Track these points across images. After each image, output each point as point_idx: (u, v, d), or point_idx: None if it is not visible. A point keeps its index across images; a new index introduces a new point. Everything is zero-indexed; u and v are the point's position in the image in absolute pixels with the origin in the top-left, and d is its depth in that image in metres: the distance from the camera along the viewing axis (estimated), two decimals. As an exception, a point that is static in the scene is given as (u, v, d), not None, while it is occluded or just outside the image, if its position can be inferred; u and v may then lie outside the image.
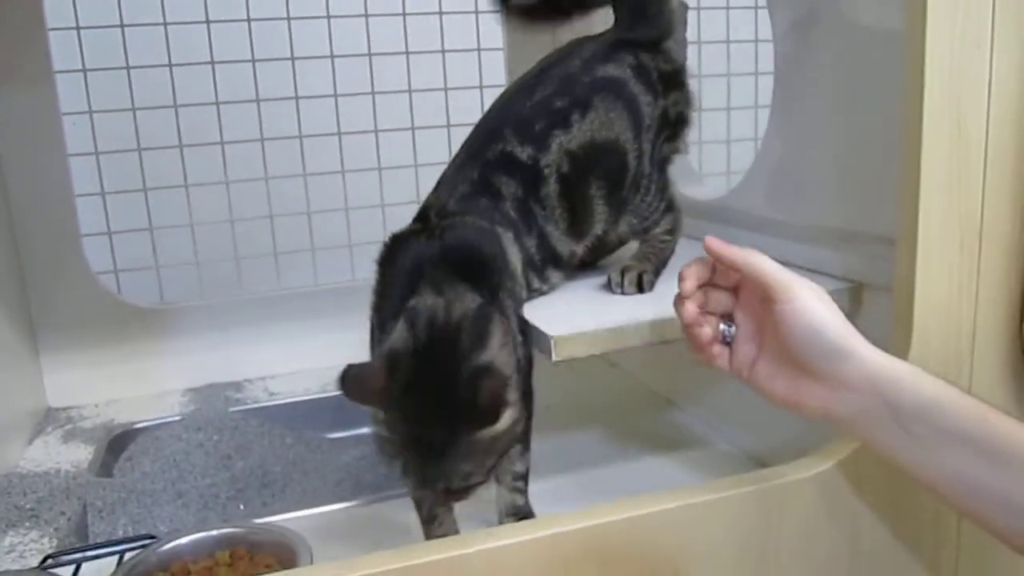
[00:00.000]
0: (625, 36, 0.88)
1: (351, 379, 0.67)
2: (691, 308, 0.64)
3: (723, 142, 1.56)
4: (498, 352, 0.68)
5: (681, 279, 0.65)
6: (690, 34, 1.51)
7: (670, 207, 0.89)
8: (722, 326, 0.65)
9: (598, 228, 0.86)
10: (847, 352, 0.59)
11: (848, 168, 0.83)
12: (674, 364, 1.13)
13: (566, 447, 1.08)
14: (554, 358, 0.71)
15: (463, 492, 0.69)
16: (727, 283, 0.66)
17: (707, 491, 0.67)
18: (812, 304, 0.60)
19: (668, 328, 0.74)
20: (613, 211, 0.85)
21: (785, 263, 0.87)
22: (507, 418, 0.67)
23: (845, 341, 0.59)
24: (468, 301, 0.69)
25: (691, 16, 1.49)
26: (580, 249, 0.86)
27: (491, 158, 0.81)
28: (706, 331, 0.64)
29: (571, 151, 0.81)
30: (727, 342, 0.65)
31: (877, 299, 0.80)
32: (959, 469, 0.57)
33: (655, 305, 0.78)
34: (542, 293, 0.86)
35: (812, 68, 0.87)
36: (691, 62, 1.52)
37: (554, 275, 0.86)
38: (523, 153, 0.81)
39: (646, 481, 0.96)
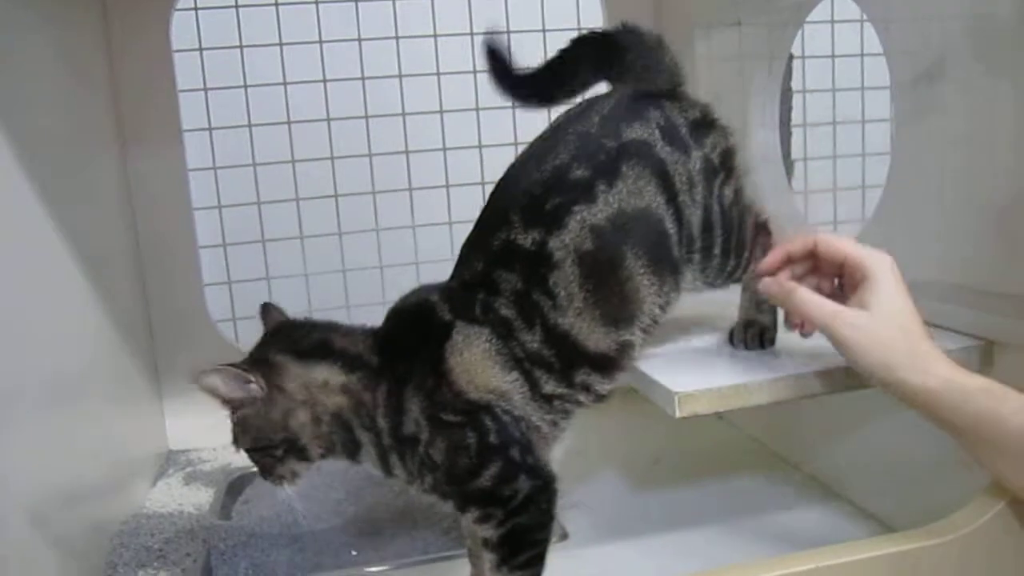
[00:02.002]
0: (641, 89, 0.81)
1: None
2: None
3: (829, 191, 1.53)
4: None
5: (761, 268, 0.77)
6: (795, 83, 1.51)
7: (742, 246, 0.82)
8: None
9: (654, 304, 0.75)
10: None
11: (978, 223, 0.81)
12: (785, 418, 1.11)
13: (676, 503, 1.06)
14: (677, 415, 0.71)
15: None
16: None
17: (838, 554, 0.66)
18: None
19: (794, 387, 0.73)
20: (667, 282, 0.75)
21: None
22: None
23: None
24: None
25: (796, 64, 1.48)
26: (638, 337, 0.75)
27: (496, 247, 0.74)
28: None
29: (597, 225, 0.72)
30: None
31: (1010, 358, 0.78)
32: None
33: (778, 361, 0.77)
34: (579, 402, 0.74)
35: (938, 118, 0.85)
36: (797, 111, 1.52)
37: (595, 381, 0.74)
38: (527, 240, 0.73)
39: (764, 541, 0.94)
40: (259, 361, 0.76)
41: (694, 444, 1.21)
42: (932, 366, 0.66)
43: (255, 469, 1.18)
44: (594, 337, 0.73)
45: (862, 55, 1.48)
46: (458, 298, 0.75)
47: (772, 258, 0.77)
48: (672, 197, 0.75)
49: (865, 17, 0.98)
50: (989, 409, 0.63)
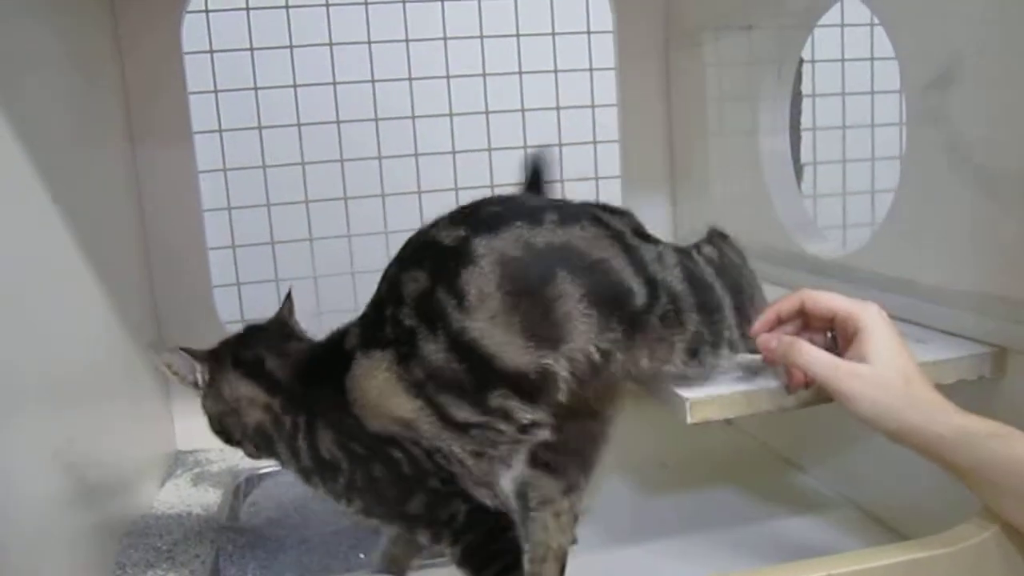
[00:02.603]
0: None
1: None
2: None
3: (839, 195, 1.53)
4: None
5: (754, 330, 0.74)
6: (805, 87, 1.50)
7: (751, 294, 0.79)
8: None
9: (587, 338, 0.66)
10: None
11: (991, 228, 0.80)
12: (793, 423, 1.11)
13: (684, 509, 1.06)
14: (689, 421, 0.70)
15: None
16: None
17: (851, 561, 0.65)
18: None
19: (803, 393, 0.72)
20: (612, 327, 0.67)
21: (920, 325, 0.85)
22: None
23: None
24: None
25: (806, 69, 1.48)
26: (562, 366, 0.66)
27: (412, 248, 0.72)
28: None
29: (534, 244, 0.66)
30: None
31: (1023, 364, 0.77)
32: None
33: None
34: (501, 432, 0.68)
35: (950, 122, 0.84)
36: (807, 115, 1.52)
37: (515, 407, 0.67)
38: (448, 237, 0.68)
39: (774, 546, 0.93)
40: (216, 355, 0.80)
41: (701, 449, 1.21)
42: (940, 414, 0.66)
43: (263, 470, 1.21)
44: (511, 349, 0.65)
45: (872, 59, 1.48)
46: (368, 321, 0.73)
47: (762, 320, 0.75)
48: (641, 267, 0.69)
49: (876, 20, 0.98)
50: (1001, 454, 0.63)
